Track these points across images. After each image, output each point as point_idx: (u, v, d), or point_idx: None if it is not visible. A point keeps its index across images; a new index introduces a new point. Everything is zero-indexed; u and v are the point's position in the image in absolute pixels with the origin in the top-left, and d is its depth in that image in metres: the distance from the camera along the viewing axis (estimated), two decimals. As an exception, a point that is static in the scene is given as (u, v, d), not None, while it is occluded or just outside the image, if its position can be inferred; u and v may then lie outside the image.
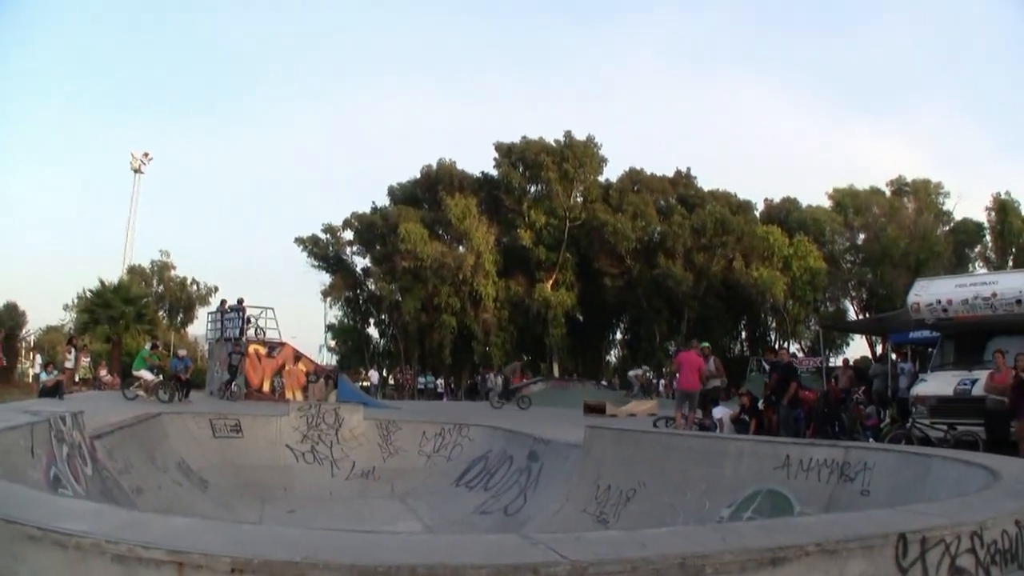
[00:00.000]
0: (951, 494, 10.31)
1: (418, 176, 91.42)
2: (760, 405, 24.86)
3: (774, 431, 23.43)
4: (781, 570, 5.49)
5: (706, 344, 29.41)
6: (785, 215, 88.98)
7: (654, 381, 66.25)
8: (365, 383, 65.05)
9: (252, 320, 40.73)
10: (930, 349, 29.74)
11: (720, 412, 25.10)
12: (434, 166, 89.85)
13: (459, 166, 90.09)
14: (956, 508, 7.74)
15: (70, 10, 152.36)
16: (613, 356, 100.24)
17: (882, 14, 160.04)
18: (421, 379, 75.39)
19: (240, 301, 41.03)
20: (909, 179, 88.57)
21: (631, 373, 67.45)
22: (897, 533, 6.29)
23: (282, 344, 40.84)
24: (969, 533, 6.86)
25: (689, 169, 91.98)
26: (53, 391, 29.88)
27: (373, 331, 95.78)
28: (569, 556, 4.92)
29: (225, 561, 4.57)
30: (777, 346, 74.03)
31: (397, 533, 5.97)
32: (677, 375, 26.01)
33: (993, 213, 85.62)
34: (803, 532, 6.29)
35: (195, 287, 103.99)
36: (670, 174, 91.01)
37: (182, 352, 39.31)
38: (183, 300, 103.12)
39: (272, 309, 42.17)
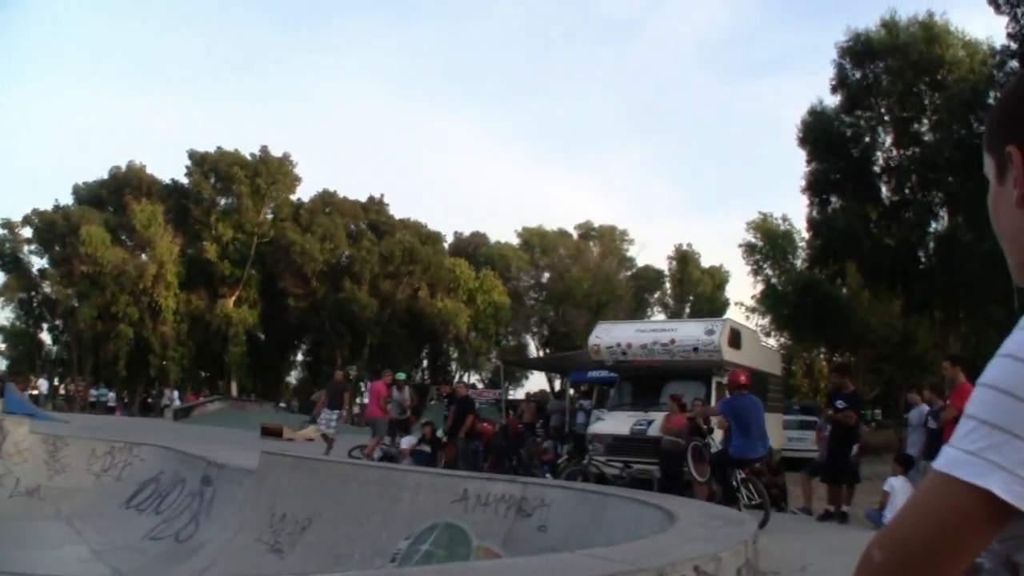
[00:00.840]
0: (627, 534, 10.51)
1: (106, 177, 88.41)
2: (440, 435, 25.14)
3: (452, 463, 23.68)
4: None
5: (402, 375, 29.60)
6: (474, 249, 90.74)
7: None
8: (34, 391, 62.64)
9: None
10: (607, 388, 30.66)
11: (406, 442, 25.22)
12: (123, 168, 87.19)
13: (149, 170, 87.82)
14: (637, 553, 7.84)
15: None
16: (294, 377, 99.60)
17: (584, 62, 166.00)
18: (94, 391, 72.98)
19: None
20: (596, 224, 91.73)
21: (315, 397, 67.33)
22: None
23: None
24: (648, 580, 6.94)
25: (383, 196, 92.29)
26: None
27: (46, 337, 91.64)
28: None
29: None
30: (457, 377, 75.32)
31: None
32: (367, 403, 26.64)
33: (674, 262, 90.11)
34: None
35: None
36: (363, 199, 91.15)
37: None
38: None
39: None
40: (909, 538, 1.47)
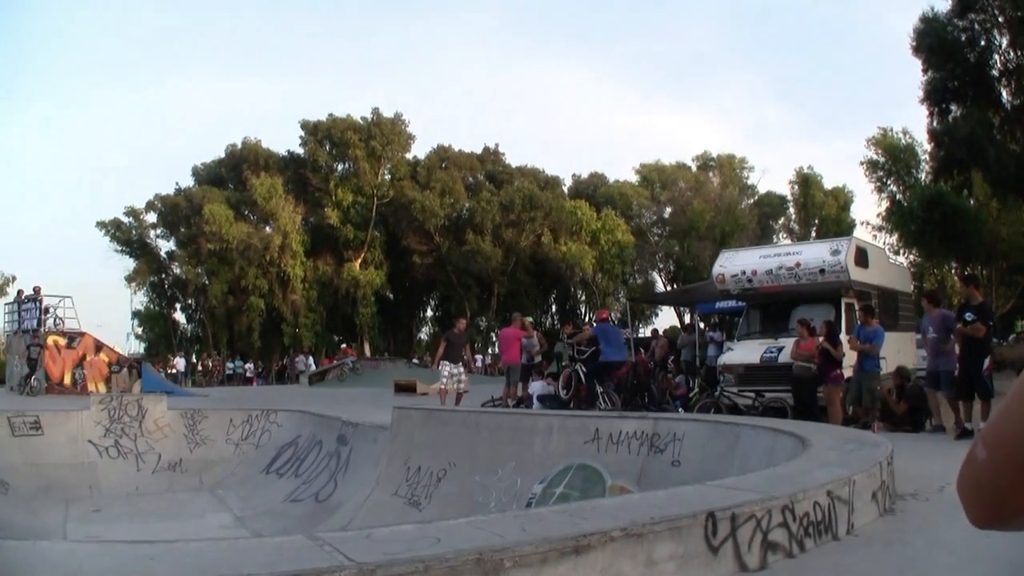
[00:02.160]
0: (761, 462, 10.35)
1: (223, 155, 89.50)
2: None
3: (583, 406, 23.52)
4: (585, 558, 5.29)
5: (530, 319, 29.51)
6: (593, 190, 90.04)
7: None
8: (172, 370, 63.81)
9: (50, 310, 39.44)
10: (735, 318, 30.25)
11: (536, 388, 25.04)
12: (239, 145, 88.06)
13: (265, 145, 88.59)
14: (766, 482, 7.68)
15: None
16: (424, 334, 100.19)
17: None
18: (230, 364, 74.28)
19: (36, 290, 39.68)
20: (714, 154, 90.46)
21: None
22: (706, 512, 6.18)
23: (82, 334, 39.61)
24: (780, 507, 6.82)
25: (497, 146, 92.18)
26: None
27: (180, 316, 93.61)
28: (356, 559, 4.62)
29: (-25, 589, 4.15)
30: (586, 319, 74.94)
31: (173, 541, 5.48)
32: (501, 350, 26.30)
33: (796, 186, 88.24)
34: (609, 516, 6.08)
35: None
36: (478, 151, 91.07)
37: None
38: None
39: (70, 297, 40.90)
40: (1010, 432, 1.34)
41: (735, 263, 24.60)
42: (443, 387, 25.15)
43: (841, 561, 7.04)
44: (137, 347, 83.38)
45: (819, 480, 7.70)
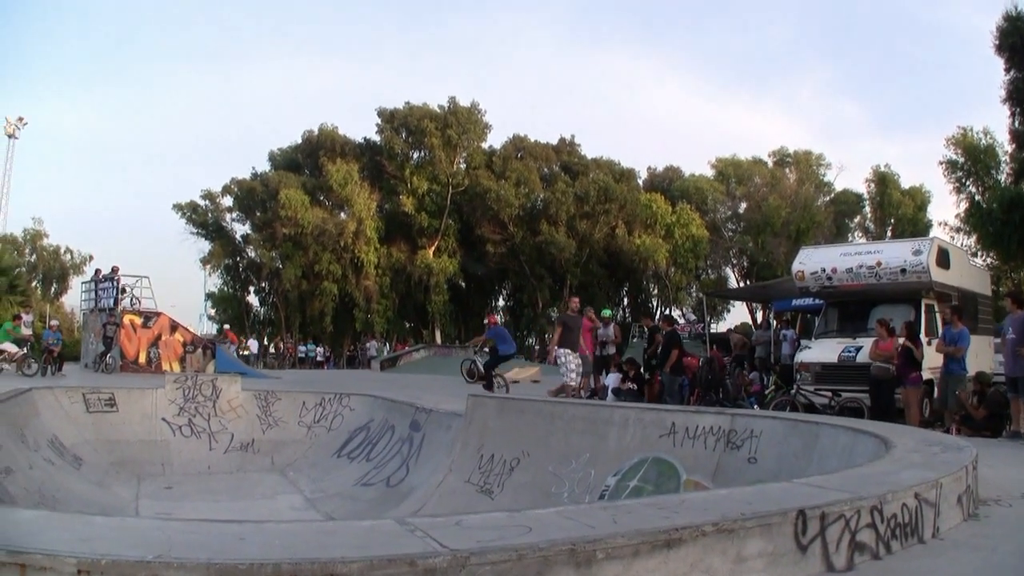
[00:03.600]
0: (841, 463, 10.19)
1: (299, 141, 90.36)
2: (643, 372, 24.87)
3: (657, 398, 23.37)
4: (677, 552, 5.20)
5: (607, 312, 29.44)
6: (668, 183, 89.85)
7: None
8: (244, 352, 64.31)
9: (127, 289, 39.83)
10: (808, 315, 29.95)
11: (611, 380, 24.91)
12: (316, 131, 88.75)
13: (341, 131, 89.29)
14: (855, 481, 7.54)
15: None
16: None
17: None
18: (302, 347, 74.78)
19: (114, 270, 40.08)
20: (791, 150, 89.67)
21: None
22: (796, 510, 6.05)
23: (158, 314, 40.01)
24: (869, 508, 6.68)
25: (573, 137, 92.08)
26: (-82, 367, 28.97)
27: (253, 299, 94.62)
28: (449, 545, 4.56)
29: (71, 563, 4.11)
30: (663, 312, 74.72)
31: (262, 522, 5.48)
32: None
33: (873, 185, 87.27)
34: (699, 511, 5.98)
35: (69, 256, 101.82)
36: (554, 141, 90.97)
37: (54, 323, 38.22)
38: (56, 270, 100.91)
39: (147, 278, 41.31)
40: None
41: (815, 260, 24.34)
42: (571, 383, 23.34)
43: (928, 564, 6.90)
44: (210, 328, 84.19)
45: (906, 482, 7.56)
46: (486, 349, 30.76)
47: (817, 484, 7.43)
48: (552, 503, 13.98)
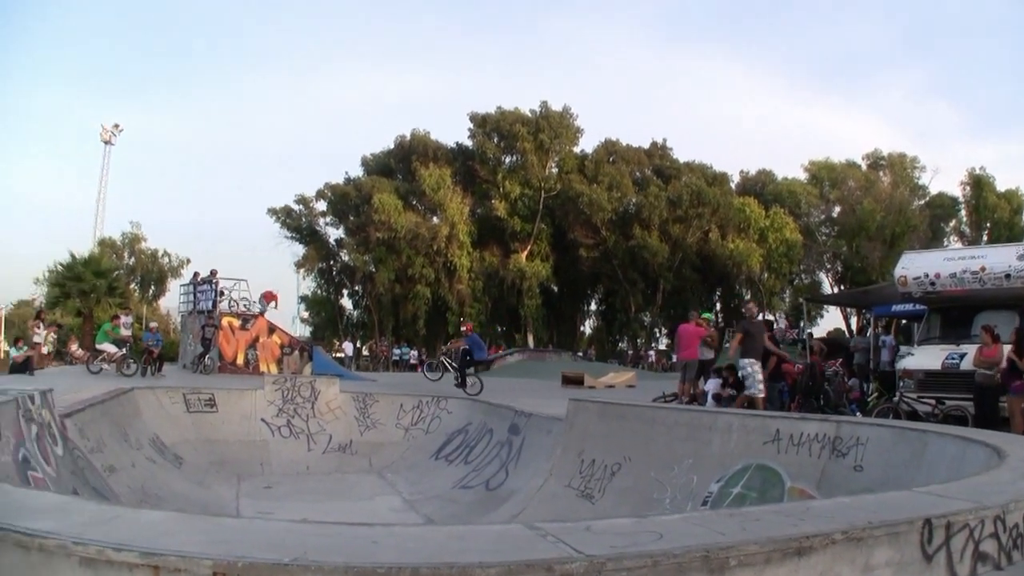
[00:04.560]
0: (950, 472, 10.04)
1: (392, 147, 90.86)
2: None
3: (755, 405, 23.14)
4: (807, 560, 5.14)
5: (707, 315, 29.27)
6: (761, 187, 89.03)
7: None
8: (339, 354, 64.75)
9: (225, 292, 40.30)
10: (903, 321, 29.52)
11: (711, 386, 24.68)
12: (408, 136, 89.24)
13: (433, 136, 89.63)
14: (975, 491, 7.41)
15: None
16: (588, 327, 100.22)
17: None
18: (396, 350, 75.11)
19: (213, 273, 40.59)
20: (884, 153, 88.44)
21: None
22: (923, 518, 5.97)
23: (256, 316, 40.42)
24: (992, 517, 6.58)
25: (665, 140, 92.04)
26: (23, 367, 29.51)
27: (347, 302, 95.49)
28: (584, 551, 4.53)
29: (206, 564, 4.13)
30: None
31: (391, 525, 5.49)
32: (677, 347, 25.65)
33: (968, 188, 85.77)
34: (826, 519, 5.90)
35: (167, 259, 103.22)
36: (646, 145, 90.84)
37: (153, 325, 38.72)
38: (155, 273, 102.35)
39: (245, 281, 41.79)
40: None
41: (917, 265, 23.94)
42: (759, 394, 21.19)
43: (1050, 577, 6.79)
44: (303, 331, 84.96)
45: (1026, 491, 7.44)
46: (455, 352, 32.71)
47: (938, 493, 7.32)
48: (653, 509, 13.92)
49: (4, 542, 4.69)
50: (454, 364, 31.12)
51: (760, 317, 24.45)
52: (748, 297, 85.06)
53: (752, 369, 21.37)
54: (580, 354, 74.93)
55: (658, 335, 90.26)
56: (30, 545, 4.60)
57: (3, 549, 4.68)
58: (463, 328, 35.09)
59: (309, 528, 5.23)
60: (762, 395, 21.21)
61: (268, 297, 42.03)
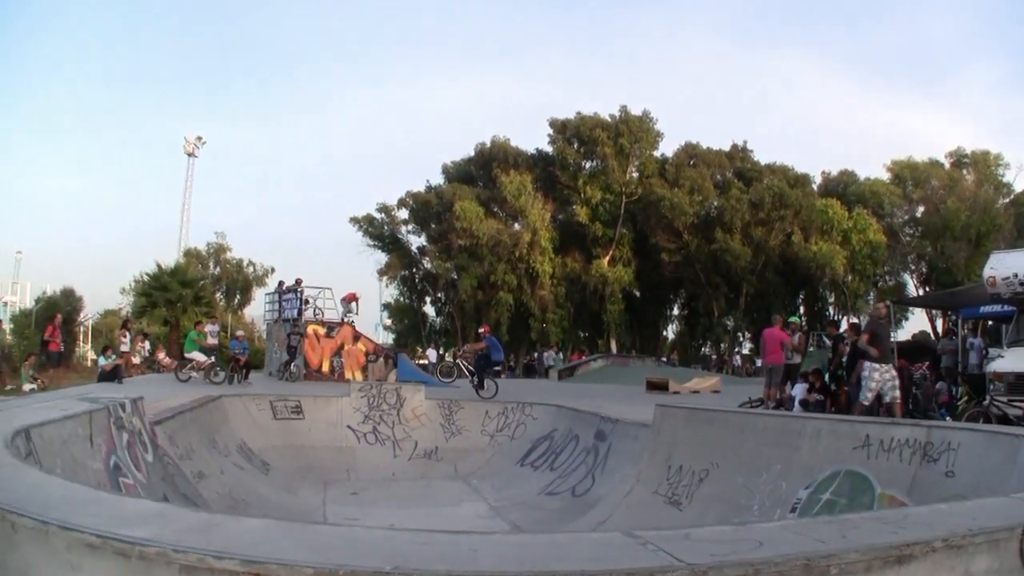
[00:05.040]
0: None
1: (472, 154, 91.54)
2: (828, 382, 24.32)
3: (843, 410, 22.86)
4: (907, 568, 5.07)
5: (794, 319, 28.99)
6: (843, 188, 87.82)
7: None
8: (422, 362, 65.01)
9: (310, 300, 40.74)
10: (990, 323, 29.10)
11: (798, 391, 24.44)
12: (488, 144, 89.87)
13: (513, 143, 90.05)
14: (1073, 496, 7.28)
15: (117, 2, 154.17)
16: (670, 332, 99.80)
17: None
18: (480, 357, 75.23)
19: (298, 282, 41.11)
20: (968, 150, 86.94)
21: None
22: (1023, 525, 5.84)
23: (341, 324, 40.78)
24: (1094, 523, 6.42)
25: (745, 143, 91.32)
26: (112, 375, 29.91)
27: (429, 309, 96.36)
28: (685, 559, 4.50)
29: (307, 572, 4.15)
30: (844, 321, 73.26)
31: (489, 533, 5.51)
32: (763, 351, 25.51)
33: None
34: (925, 526, 5.81)
35: (251, 268, 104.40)
36: (726, 148, 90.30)
37: (240, 334, 39.16)
38: (240, 282, 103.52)
39: (330, 289, 42.30)
40: None
41: (1006, 265, 23.52)
42: (865, 402, 19.69)
43: None
44: (385, 338, 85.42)
45: None
46: (474, 354, 33.28)
47: (1038, 498, 7.20)
48: (741, 516, 13.82)
49: (103, 550, 4.74)
50: (470, 367, 32.66)
51: (884, 315, 23.27)
52: (872, 298, 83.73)
53: (871, 374, 19.67)
54: (663, 359, 74.67)
55: (741, 339, 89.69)
56: (130, 553, 4.63)
57: (102, 557, 4.73)
58: (481, 330, 35.15)
59: (407, 536, 5.23)
60: (866, 402, 19.60)
61: (349, 298, 42.42)
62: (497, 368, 34.78)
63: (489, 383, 30.16)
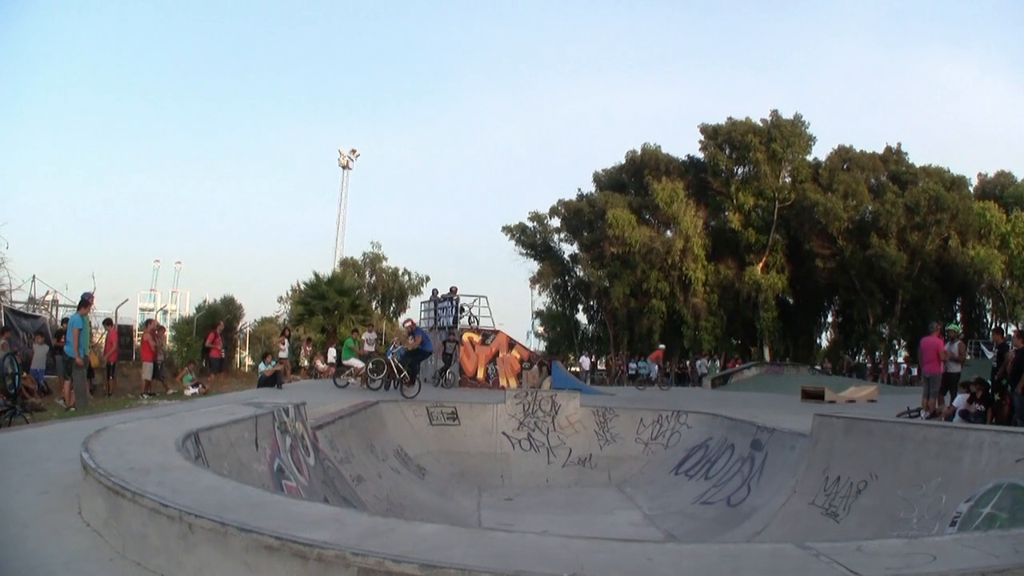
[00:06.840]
0: None
1: (623, 162, 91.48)
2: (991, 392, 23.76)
3: (1006, 420, 22.35)
4: (1080, 585, 5.00)
5: (954, 326, 28.37)
6: (1000, 190, 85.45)
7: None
8: (575, 369, 65.13)
9: (465, 308, 41.19)
10: None
11: (958, 401, 23.96)
12: (639, 151, 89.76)
13: (664, 150, 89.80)
14: None
15: (270, 17, 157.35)
16: (824, 339, 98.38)
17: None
18: (632, 365, 75.08)
19: (453, 290, 41.56)
20: None
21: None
22: None
23: (496, 332, 41.17)
24: None
25: (899, 145, 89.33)
26: (271, 380, 30.67)
27: (581, 317, 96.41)
28: (860, 572, 4.52)
29: (485, 578, 4.28)
30: (1002, 328, 71.48)
31: (663, 542, 5.57)
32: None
33: None
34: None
35: (406, 277, 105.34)
36: (879, 151, 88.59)
37: (396, 341, 39.76)
38: (395, 290, 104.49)
39: (485, 297, 42.79)
40: None
41: None
42: None
43: None
44: (537, 345, 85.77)
45: None
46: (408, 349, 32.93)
47: None
48: (899, 529, 13.65)
49: (281, 552, 4.92)
50: (399, 364, 31.48)
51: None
52: (984, 309, 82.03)
53: None
54: (818, 367, 73.57)
55: (897, 347, 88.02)
56: (308, 555, 4.82)
57: (280, 558, 4.91)
58: (407, 323, 36.40)
59: (582, 544, 5.32)
60: None
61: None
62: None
63: (416, 383, 30.56)
